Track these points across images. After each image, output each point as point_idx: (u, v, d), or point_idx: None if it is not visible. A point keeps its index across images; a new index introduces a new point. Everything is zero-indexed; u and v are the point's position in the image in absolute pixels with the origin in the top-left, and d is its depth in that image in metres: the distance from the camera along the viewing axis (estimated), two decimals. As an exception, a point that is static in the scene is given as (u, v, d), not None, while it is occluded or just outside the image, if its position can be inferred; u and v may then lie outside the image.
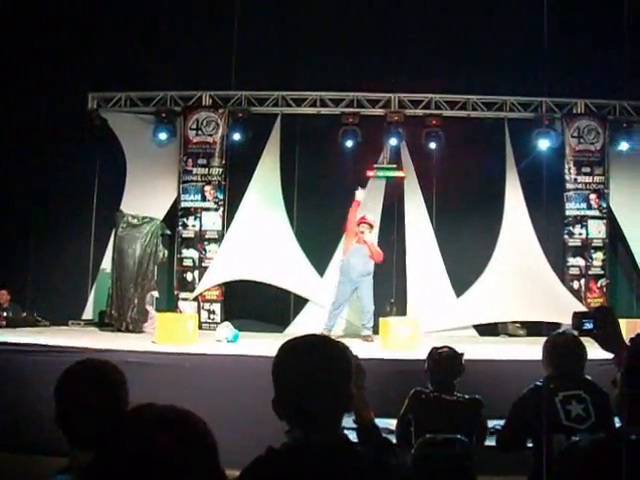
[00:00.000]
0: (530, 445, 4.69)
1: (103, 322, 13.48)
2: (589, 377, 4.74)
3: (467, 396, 5.12)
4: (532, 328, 13.67)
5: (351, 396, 2.42)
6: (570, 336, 5.07)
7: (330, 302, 12.49)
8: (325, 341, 2.48)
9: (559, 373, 4.68)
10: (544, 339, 5.02)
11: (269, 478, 2.24)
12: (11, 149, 14.37)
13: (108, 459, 1.56)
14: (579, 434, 4.32)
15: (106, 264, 14.53)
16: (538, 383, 4.71)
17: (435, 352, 5.39)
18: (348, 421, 2.61)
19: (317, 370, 2.34)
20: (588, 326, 3.49)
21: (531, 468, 4.60)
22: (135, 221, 13.59)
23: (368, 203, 14.00)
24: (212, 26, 13.96)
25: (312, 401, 2.31)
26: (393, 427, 5.38)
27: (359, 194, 12.46)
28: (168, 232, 14.09)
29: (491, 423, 5.42)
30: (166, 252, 13.90)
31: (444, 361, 5.26)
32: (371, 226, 12.42)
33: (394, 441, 4.47)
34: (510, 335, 13.65)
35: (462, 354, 5.37)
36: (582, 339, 4.85)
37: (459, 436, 4.71)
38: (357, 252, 12.21)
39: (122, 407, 2.52)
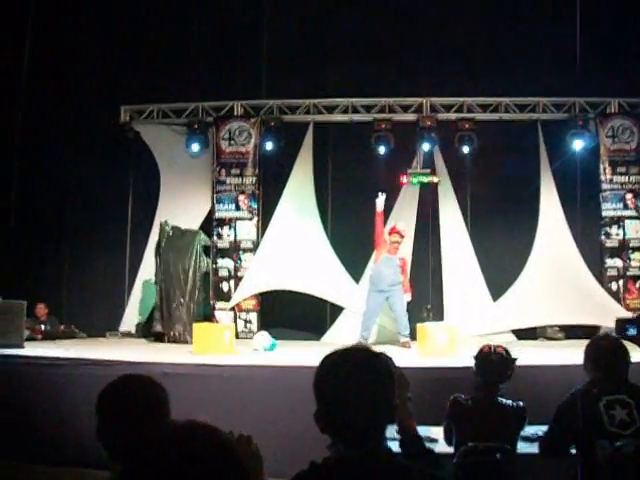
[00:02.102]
0: (574, 451, 4.61)
1: (149, 332, 13.54)
2: (633, 381, 4.65)
3: (511, 402, 5.00)
4: (570, 331, 13.52)
5: (394, 408, 2.38)
6: (613, 339, 5.01)
7: (362, 312, 12.45)
8: (367, 353, 2.44)
9: (602, 377, 4.60)
10: (583, 342, 4.93)
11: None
12: (46, 163, 14.49)
13: (136, 473, 1.54)
14: (623, 440, 4.26)
15: (143, 275, 14.61)
16: (581, 388, 4.63)
17: (486, 351, 5.17)
18: (391, 431, 2.58)
19: (360, 383, 2.30)
20: (632, 332, 3.43)
21: (575, 474, 4.52)
22: (178, 232, 13.66)
23: (402, 210, 14.00)
24: (242, 35, 14.00)
25: (355, 414, 2.28)
26: (433, 435, 5.33)
27: (379, 203, 12.34)
28: (209, 243, 14.15)
29: (532, 429, 5.34)
30: (209, 263, 13.97)
31: (492, 363, 5.08)
32: (402, 236, 12.35)
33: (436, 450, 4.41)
34: (549, 339, 13.51)
35: (515, 359, 5.18)
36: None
37: (501, 444, 4.64)
38: (388, 262, 12.16)
39: (163, 422, 2.50)
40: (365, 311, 12.29)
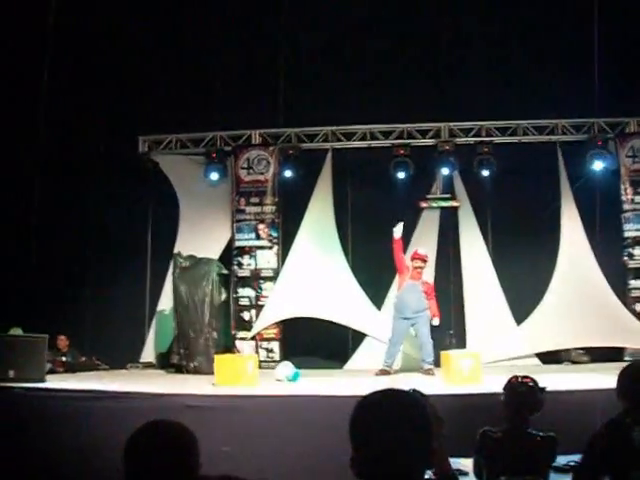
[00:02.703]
0: (607, 481, 4.51)
1: (168, 364, 13.48)
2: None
3: (542, 433, 4.90)
4: (595, 354, 13.41)
5: (433, 453, 2.31)
6: (646, 367, 4.90)
7: (387, 339, 12.38)
8: (404, 397, 2.36)
9: (635, 406, 4.49)
10: (608, 365, 4.85)
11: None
12: (65, 195, 14.54)
13: None
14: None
15: (162, 306, 14.61)
16: (614, 417, 4.53)
17: (514, 382, 5.04)
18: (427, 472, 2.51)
19: (399, 428, 2.23)
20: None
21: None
22: (192, 262, 13.64)
23: (423, 235, 13.96)
24: (259, 64, 14.08)
25: (394, 461, 2.20)
26: (462, 467, 5.23)
27: (397, 231, 12.28)
28: (226, 272, 14.08)
29: (563, 459, 5.23)
30: (224, 292, 13.92)
31: (521, 394, 4.98)
32: (424, 260, 12.30)
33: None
34: (573, 362, 13.38)
35: (544, 388, 5.07)
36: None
37: (533, 477, 4.54)
38: (411, 289, 12.11)
39: (194, 473, 2.43)
40: (390, 338, 12.24)
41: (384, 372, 11.96)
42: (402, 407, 2.30)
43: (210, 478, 1.55)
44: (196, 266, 13.67)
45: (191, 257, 13.79)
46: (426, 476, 2.39)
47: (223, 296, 13.93)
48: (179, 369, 13.17)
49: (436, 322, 12.14)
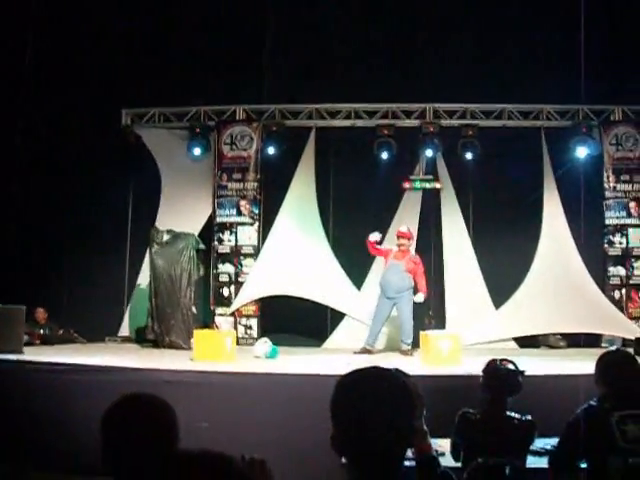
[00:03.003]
0: (584, 466, 4.52)
1: (144, 339, 13.42)
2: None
3: (520, 416, 4.92)
4: (572, 339, 13.50)
5: (414, 432, 2.30)
6: (624, 353, 4.92)
7: (370, 318, 12.38)
8: (386, 375, 2.34)
9: (614, 392, 4.50)
10: (585, 351, 4.88)
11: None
12: (45, 166, 14.42)
13: None
14: (636, 456, 4.18)
15: (142, 280, 14.55)
16: (592, 402, 4.54)
17: (493, 366, 5.08)
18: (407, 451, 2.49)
19: (380, 406, 2.21)
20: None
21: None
22: (170, 237, 13.54)
23: (404, 216, 13.95)
24: (245, 40, 13.94)
25: (374, 439, 2.18)
26: (440, 448, 5.23)
27: (372, 236, 12.22)
28: (203, 246, 14.00)
29: (540, 442, 5.25)
30: (202, 267, 13.86)
31: (501, 377, 4.99)
32: (407, 237, 12.25)
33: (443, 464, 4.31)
34: (551, 347, 13.47)
35: (523, 371, 5.08)
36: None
37: (510, 460, 4.55)
38: (393, 269, 12.08)
39: (172, 446, 2.39)
40: (373, 318, 12.22)
41: (365, 350, 11.94)
42: (384, 385, 2.28)
43: (189, 452, 1.53)
44: (174, 241, 13.53)
45: (169, 232, 13.67)
46: (407, 455, 2.37)
47: (201, 271, 13.87)
48: (155, 344, 13.10)
49: (418, 298, 12.01)
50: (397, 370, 2.40)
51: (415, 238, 12.87)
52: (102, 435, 2.51)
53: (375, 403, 2.20)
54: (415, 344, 11.73)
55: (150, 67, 14.13)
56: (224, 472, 1.51)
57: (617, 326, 13.30)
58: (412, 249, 12.44)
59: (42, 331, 13.33)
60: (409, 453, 2.68)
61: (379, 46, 13.96)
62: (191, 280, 13.41)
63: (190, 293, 13.34)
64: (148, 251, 13.74)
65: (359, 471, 2.22)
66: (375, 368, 2.36)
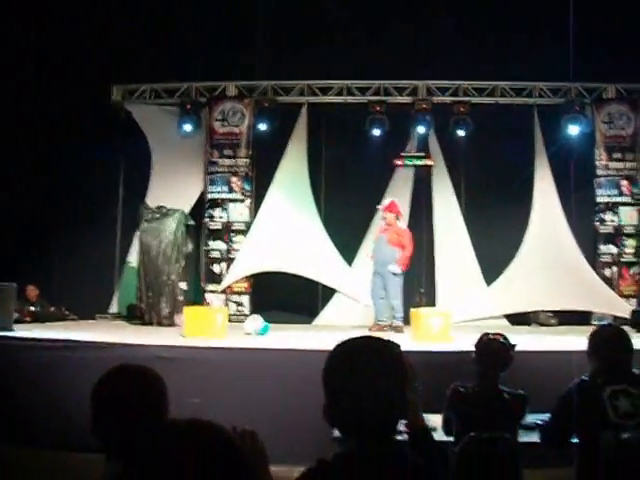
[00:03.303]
0: (575, 441, 4.53)
1: (133, 315, 13.38)
2: (637, 371, 4.56)
3: (511, 391, 4.93)
4: (563, 317, 13.51)
5: (407, 402, 2.28)
6: (617, 328, 4.92)
7: (362, 295, 12.35)
8: (380, 344, 2.32)
9: (606, 367, 4.51)
10: (576, 328, 4.89)
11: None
12: (35, 143, 14.34)
13: (137, 474, 1.45)
14: (628, 430, 4.18)
15: (132, 257, 14.50)
16: (584, 377, 4.54)
17: (485, 340, 5.10)
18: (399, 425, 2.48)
19: (372, 376, 2.19)
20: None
21: (577, 464, 4.45)
22: (158, 214, 13.48)
23: (396, 193, 13.92)
24: (236, 15, 13.85)
25: (367, 409, 2.17)
26: (432, 423, 5.22)
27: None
28: (192, 222, 13.95)
29: (531, 417, 5.25)
30: (191, 243, 13.81)
31: (493, 351, 5.01)
32: (387, 210, 12.08)
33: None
34: (542, 324, 13.50)
35: (514, 345, 5.10)
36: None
37: (503, 434, 4.55)
38: (379, 242, 11.98)
39: (164, 420, 2.38)
40: (370, 294, 12.14)
41: (378, 328, 11.75)
42: (377, 355, 2.26)
43: (178, 422, 1.51)
44: (162, 217, 13.47)
45: (158, 208, 13.62)
46: (399, 428, 2.36)
47: (189, 247, 13.81)
48: (144, 321, 13.07)
49: (392, 268, 11.62)
50: (390, 341, 2.38)
51: (401, 210, 12.60)
52: (92, 405, 2.50)
53: (368, 372, 2.19)
54: (406, 321, 11.70)
55: (141, 43, 14.02)
56: (214, 441, 1.49)
57: (608, 304, 13.34)
58: (402, 222, 12.25)
59: (33, 308, 13.31)
60: (402, 427, 2.67)
61: (371, 22, 13.87)
62: (180, 256, 13.37)
63: (178, 269, 13.32)
64: (137, 228, 13.69)
65: (351, 442, 2.21)
66: (368, 337, 2.34)
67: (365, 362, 2.22)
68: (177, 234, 13.37)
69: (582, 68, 12.67)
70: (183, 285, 13.42)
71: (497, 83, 14.36)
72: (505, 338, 5.11)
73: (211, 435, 1.51)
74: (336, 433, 2.30)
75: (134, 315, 13.38)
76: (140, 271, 13.36)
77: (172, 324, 12.62)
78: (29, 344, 9.18)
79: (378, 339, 2.34)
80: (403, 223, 12.24)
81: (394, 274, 11.68)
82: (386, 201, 12.34)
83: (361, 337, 2.34)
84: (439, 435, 4.96)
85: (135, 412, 2.42)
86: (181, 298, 13.20)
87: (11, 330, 9.97)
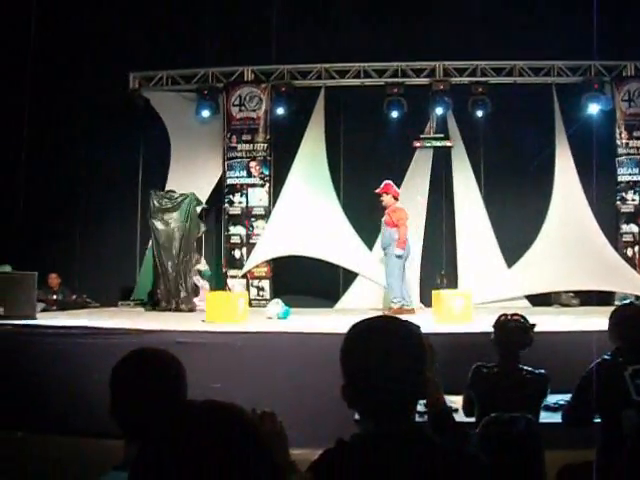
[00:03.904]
0: (598, 420, 4.51)
1: (153, 302, 13.42)
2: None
3: (533, 370, 4.91)
4: (585, 298, 13.46)
5: (426, 382, 2.27)
6: (638, 307, 4.89)
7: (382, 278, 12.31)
8: (397, 323, 2.30)
9: (628, 346, 4.48)
10: (598, 309, 4.86)
11: (341, 472, 2.10)
12: (54, 133, 14.42)
13: (154, 455, 1.44)
14: (650, 409, 4.17)
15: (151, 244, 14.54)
16: (606, 357, 4.52)
17: (504, 320, 5.09)
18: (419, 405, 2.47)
19: (391, 355, 2.18)
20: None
21: (599, 444, 4.43)
22: (168, 200, 13.46)
23: (415, 175, 13.92)
24: (251, 0, 13.82)
25: (386, 389, 2.15)
26: (453, 404, 5.22)
27: None
28: (203, 205, 13.91)
29: (553, 398, 5.24)
30: (203, 226, 13.78)
31: (512, 331, 5.00)
32: (380, 194, 11.99)
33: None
34: (563, 305, 13.44)
35: (533, 325, 5.09)
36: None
37: (524, 414, 4.54)
38: (382, 226, 11.99)
39: (182, 401, 2.39)
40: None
41: (398, 310, 11.62)
42: (395, 334, 2.24)
43: (195, 403, 1.51)
44: (172, 202, 13.45)
45: (168, 193, 13.62)
46: (419, 408, 2.35)
47: (202, 229, 13.79)
48: (161, 307, 13.11)
49: (395, 252, 11.58)
50: (407, 321, 2.36)
51: (397, 190, 12.41)
52: (110, 388, 2.52)
53: (384, 352, 2.17)
54: (427, 303, 11.68)
55: (157, 30, 14.04)
56: (232, 421, 1.49)
57: (630, 283, 13.24)
58: (399, 203, 12.08)
59: (55, 297, 13.39)
60: (422, 407, 2.67)
61: (388, 4, 13.81)
62: (191, 240, 13.37)
63: (194, 252, 13.34)
64: (148, 215, 13.64)
65: (370, 423, 2.20)
66: (386, 317, 2.33)
67: (382, 341, 2.20)
68: (188, 218, 13.37)
69: (601, 46, 12.62)
70: (202, 266, 13.46)
71: (515, 63, 14.24)
72: (524, 318, 5.09)
73: (229, 416, 1.51)
74: (357, 416, 2.30)
75: (153, 302, 13.40)
76: (154, 258, 13.37)
77: (192, 309, 12.67)
78: (51, 332, 9.23)
79: (395, 319, 2.33)
80: (400, 203, 12.13)
81: (397, 256, 11.62)
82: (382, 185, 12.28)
83: (378, 317, 2.33)
84: (460, 416, 4.96)
85: (152, 394, 2.43)
86: (199, 281, 13.24)
87: (34, 318, 10.03)
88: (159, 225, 13.34)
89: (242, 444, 1.47)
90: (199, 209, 13.74)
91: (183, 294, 13.03)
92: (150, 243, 13.85)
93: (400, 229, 11.62)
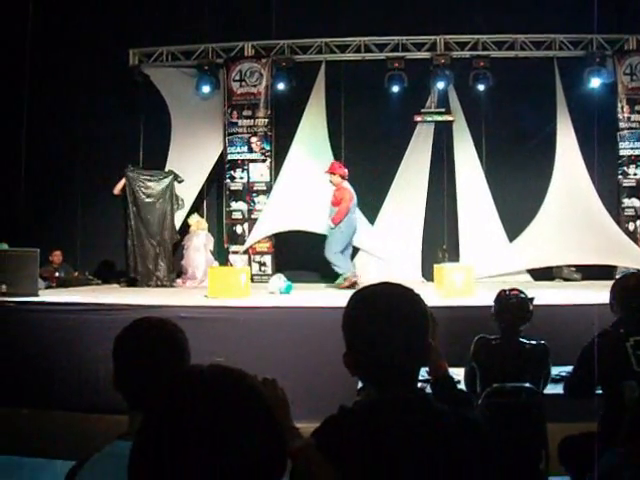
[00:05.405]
0: (599, 392, 4.53)
1: (131, 279, 13.28)
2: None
3: (533, 342, 4.95)
4: (587, 272, 13.46)
5: (428, 348, 2.27)
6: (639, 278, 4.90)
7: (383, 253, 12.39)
8: (400, 289, 2.30)
9: (630, 317, 4.50)
10: (600, 283, 4.87)
11: (344, 439, 2.11)
12: (55, 109, 14.38)
13: (158, 420, 1.45)
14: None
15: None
16: (607, 328, 4.54)
17: (503, 295, 5.17)
18: (421, 372, 2.49)
19: (393, 321, 2.18)
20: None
21: (601, 415, 4.46)
22: (148, 177, 13.37)
23: (416, 150, 13.91)
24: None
25: (388, 355, 2.16)
26: (455, 376, 5.25)
27: None
28: (182, 179, 13.75)
29: (555, 370, 5.27)
30: (182, 199, 13.69)
31: (512, 305, 5.06)
32: (331, 172, 12.21)
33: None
34: (565, 279, 13.47)
35: (532, 298, 5.14)
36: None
37: (527, 384, 4.57)
38: (329, 204, 12.23)
39: (185, 367, 2.40)
40: None
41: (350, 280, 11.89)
42: (400, 299, 2.24)
43: (198, 367, 1.52)
44: (153, 181, 13.38)
45: (146, 170, 13.57)
46: (421, 376, 2.37)
47: (180, 202, 13.69)
48: (135, 283, 13.10)
49: (330, 224, 12.05)
50: (409, 288, 2.36)
51: (345, 170, 12.40)
52: (113, 358, 2.53)
53: (390, 317, 2.17)
54: (429, 277, 11.71)
55: (156, 5, 13.99)
56: (235, 384, 1.49)
57: (631, 258, 13.24)
58: (345, 182, 12.25)
59: (57, 274, 13.39)
60: (424, 374, 2.68)
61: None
62: (172, 215, 13.39)
63: (173, 227, 13.44)
64: (126, 192, 13.42)
65: (374, 389, 2.21)
66: (387, 284, 2.32)
67: (386, 307, 2.20)
68: (169, 195, 13.33)
69: (602, 19, 12.56)
70: (210, 245, 13.54)
71: (516, 36, 14.13)
72: (522, 292, 5.16)
73: (233, 379, 1.52)
74: (360, 385, 2.31)
75: (131, 277, 13.28)
76: (132, 234, 13.21)
77: (166, 284, 12.80)
78: (54, 308, 9.26)
79: (397, 285, 2.32)
80: (347, 183, 12.23)
81: (331, 228, 11.96)
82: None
83: (382, 283, 2.33)
84: (462, 388, 4.99)
85: (156, 361, 2.44)
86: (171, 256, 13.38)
87: (36, 295, 10.05)
88: (140, 201, 13.20)
89: (247, 407, 1.48)
90: (177, 185, 13.63)
91: (164, 269, 13.07)
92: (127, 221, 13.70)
93: (340, 206, 11.89)
